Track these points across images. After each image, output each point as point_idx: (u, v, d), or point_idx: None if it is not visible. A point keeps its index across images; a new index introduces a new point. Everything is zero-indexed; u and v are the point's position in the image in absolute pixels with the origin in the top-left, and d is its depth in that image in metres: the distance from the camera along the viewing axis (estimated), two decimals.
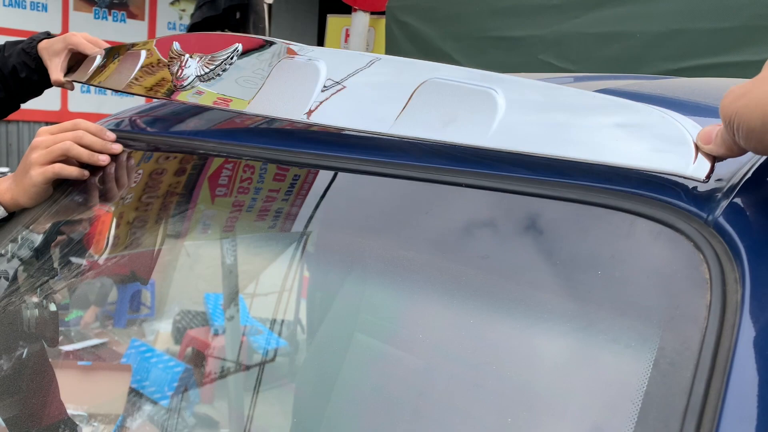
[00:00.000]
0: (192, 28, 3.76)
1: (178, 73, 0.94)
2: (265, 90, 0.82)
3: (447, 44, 2.73)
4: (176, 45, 0.98)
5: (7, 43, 1.44)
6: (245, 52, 0.89)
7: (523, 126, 0.60)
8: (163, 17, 6.75)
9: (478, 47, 2.64)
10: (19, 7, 5.89)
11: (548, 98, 0.61)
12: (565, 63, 2.38)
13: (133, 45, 1.07)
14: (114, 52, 1.14)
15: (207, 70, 0.91)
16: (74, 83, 1.27)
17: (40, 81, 1.41)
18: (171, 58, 0.97)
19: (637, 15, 2.22)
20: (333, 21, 4.53)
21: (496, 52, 2.58)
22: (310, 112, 0.76)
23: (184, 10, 6.76)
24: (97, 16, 6.35)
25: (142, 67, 1.01)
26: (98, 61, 1.15)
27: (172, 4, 6.79)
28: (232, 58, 0.89)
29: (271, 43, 0.88)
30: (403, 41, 2.91)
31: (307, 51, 0.83)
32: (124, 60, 1.07)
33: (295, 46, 0.85)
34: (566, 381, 0.55)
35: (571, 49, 2.38)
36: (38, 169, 1.01)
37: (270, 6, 3.44)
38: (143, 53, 1.03)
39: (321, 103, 0.75)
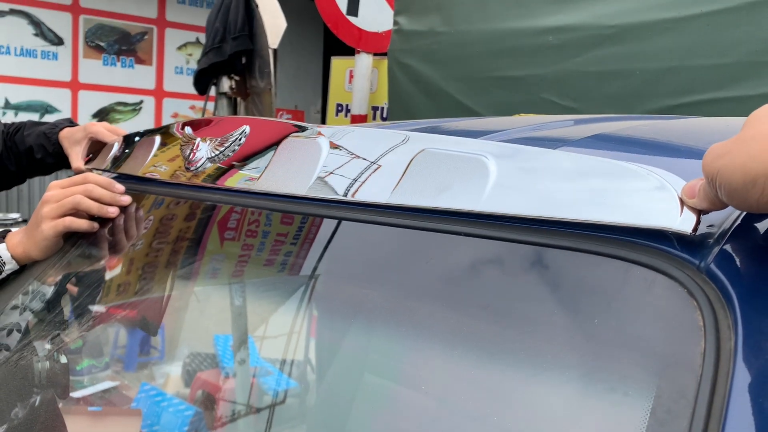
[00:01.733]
0: (199, 73, 3.82)
1: (191, 157, 0.99)
2: (270, 169, 0.87)
3: (449, 85, 2.77)
4: (188, 129, 1.04)
5: (28, 122, 1.51)
6: (253, 134, 0.94)
7: (514, 190, 0.63)
8: (171, 62, 6.87)
9: (480, 87, 2.68)
10: (30, 57, 6.03)
11: (537, 162, 0.64)
12: (567, 101, 2.41)
13: (148, 131, 1.13)
14: (131, 139, 1.19)
15: (217, 152, 0.96)
16: (94, 171, 1.32)
17: (54, 164, 1.47)
18: (183, 142, 1.02)
19: (636, 53, 2.26)
20: (337, 63, 4.61)
21: (498, 91, 2.62)
22: (312, 188, 0.80)
23: (191, 55, 6.89)
24: (105, 62, 6.48)
25: (156, 152, 1.07)
26: (116, 148, 1.20)
27: (179, 49, 6.92)
28: (240, 140, 0.94)
29: (277, 124, 0.93)
30: (406, 83, 2.96)
31: (309, 130, 0.88)
32: (139, 146, 1.12)
33: (300, 126, 0.90)
34: (565, 430, 0.55)
35: (572, 88, 2.41)
36: (49, 223, 1.03)
37: (275, 51, 3.51)
38: (158, 138, 1.08)
39: (322, 178, 0.80)
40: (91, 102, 6.38)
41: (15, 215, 4.44)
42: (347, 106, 4.40)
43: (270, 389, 1.03)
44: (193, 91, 4.06)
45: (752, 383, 0.44)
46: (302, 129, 0.89)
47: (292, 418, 0.99)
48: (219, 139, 0.98)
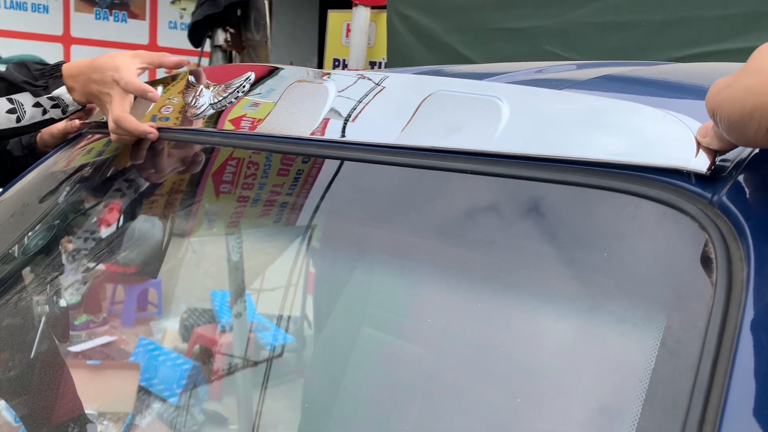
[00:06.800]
0: (193, 26, 3.77)
1: (193, 102, 0.99)
2: (275, 112, 0.86)
3: (451, 37, 2.73)
4: (191, 78, 1.05)
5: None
6: (257, 80, 0.94)
7: (526, 130, 0.62)
8: (164, 17, 6.75)
9: (482, 39, 2.64)
10: (20, 9, 5.91)
11: (551, 103, 0.63)
12: (570, 53, 2.38)
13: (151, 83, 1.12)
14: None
15: (220, 98, 0.96)
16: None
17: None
18: (186, 88, 1.01)
19: (641, 4, 2.22)
20: (334, 16, 4.53)
21: (501, 43, 2.58)
22: (317, 130, 0.79)
23: (184, 9, 6.76)
24: (98, 16, 6.36)
25: (159, 100, 1.06)
26: None
27: (172, 3, 6.79)
28: (244, 86, 0.93)
29: (281, 70, 0.92)
30: (406, 35, 2.91)
31: (317, 75, 0.87)
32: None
33: (306, 71, 0.89)
34: (575, 361, 0.55)
35: (575, 39, 2.38)
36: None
37: (271, 2, 3.45)
38: (160, 88, 1.08)
39: (329, 120, 0.79)
40: (83, 57, 6.26)
41: None
42: (344, 61, 4.34)
43: (268, 343, 1.04)
44: (187, 46, 4.00)
45: (763, 314, 0.44)
46: (311, 74, 0.88)
47: (289, 371, 1.00)
48: (222, 86, 0.98)
